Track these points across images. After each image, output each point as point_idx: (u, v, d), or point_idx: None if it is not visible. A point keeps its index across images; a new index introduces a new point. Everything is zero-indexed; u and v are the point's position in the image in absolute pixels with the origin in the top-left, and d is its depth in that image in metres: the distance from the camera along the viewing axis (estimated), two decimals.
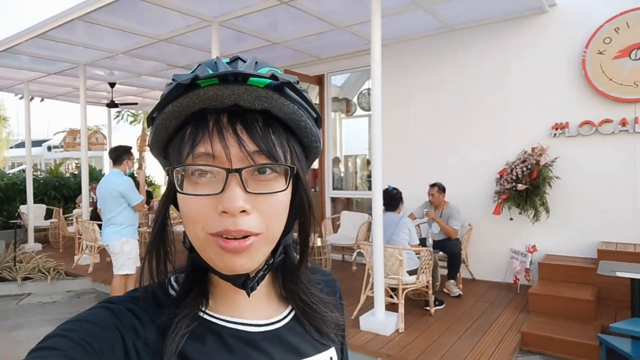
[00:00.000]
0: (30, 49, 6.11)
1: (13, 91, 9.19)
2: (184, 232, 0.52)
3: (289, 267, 0.61)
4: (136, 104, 9.51)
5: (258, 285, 0.54)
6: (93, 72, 7.56)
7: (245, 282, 0.53)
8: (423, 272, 4.12)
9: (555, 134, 4.85)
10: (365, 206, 6.88)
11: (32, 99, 9.64)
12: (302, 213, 0.57)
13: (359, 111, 7.16)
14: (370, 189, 4.74)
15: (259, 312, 0.58)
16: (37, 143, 19.20)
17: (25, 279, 5.88)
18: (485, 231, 5.26)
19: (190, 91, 0.48)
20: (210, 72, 0.48)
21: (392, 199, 4.41)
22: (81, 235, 6.54)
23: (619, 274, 3.30)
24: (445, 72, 5.65)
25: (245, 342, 0.54)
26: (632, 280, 3.27)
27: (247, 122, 0.49)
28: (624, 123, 4.48)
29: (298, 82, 0.52)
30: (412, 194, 5.05)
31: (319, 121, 0.56)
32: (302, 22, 5.26)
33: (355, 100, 7.21)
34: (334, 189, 7.02)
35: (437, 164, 5.64)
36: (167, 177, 0.52)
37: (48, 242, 8.36)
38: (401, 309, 3.92)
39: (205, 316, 0.54)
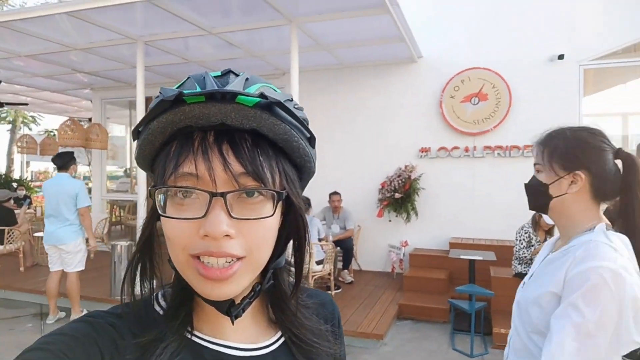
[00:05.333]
0: None
1: None
2: None
3: (277, 294, 0.58)
4: (26, 104, 8.93)
5: (244, 312, 0.52)
6: None
7: (230, 309, 0.50)
8: (327, 262, 5.16)
9: (421, 156, 6.35)
10: None
11: None
12: (297, 237, 0.55)
13: None
14: None
15: (244, 335, 0.56)
16: None
17: None
18: (370, 230, 6.55)
19: (175, 107, 0.46)
20: (198, 87, 0.47)
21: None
22: None
23: (462, 256, 4.74)
24: (340, 98, 6.84)
25: None
26: (470, 260, 4.73)
27: (234, 142, 0.47)
28: (467, 150, 6.14)
29: (291, 100, 0.51)
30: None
31: (312, 141, 0.54)
32: (221, 48, 5.95)
33: None
34: None
35: (333, 176, 6.73)
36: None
37: None
38: None
39: (188, 334, 0.53)
